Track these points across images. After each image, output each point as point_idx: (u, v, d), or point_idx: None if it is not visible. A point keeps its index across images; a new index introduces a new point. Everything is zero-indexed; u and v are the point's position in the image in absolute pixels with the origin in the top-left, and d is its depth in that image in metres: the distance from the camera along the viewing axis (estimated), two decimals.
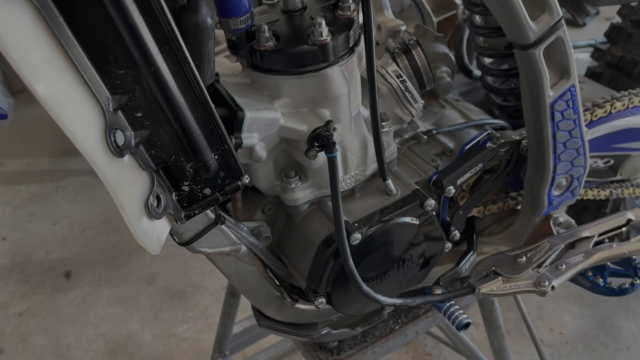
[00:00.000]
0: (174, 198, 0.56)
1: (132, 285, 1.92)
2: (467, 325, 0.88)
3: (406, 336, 1.03)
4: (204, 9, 0.54)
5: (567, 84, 0.81)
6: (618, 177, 1.16)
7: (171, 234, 0.65)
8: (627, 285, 0.93)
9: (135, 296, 1.88)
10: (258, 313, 0.90)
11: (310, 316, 0.93)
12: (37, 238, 2.14)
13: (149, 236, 0.52)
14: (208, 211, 0.66)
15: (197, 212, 0.58)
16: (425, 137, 0.93)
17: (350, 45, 0.71)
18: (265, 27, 0.66)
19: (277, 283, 0.87)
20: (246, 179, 0.61)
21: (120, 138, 0.47)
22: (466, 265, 0.96)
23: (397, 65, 0.90)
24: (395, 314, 1.04)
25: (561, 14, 0.75)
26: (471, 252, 0.97)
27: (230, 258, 0.77)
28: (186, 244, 0.69)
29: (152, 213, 0.51)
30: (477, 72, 1.18)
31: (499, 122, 1.02)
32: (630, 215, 0.95)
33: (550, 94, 0.81)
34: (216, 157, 0.57)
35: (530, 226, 1.00)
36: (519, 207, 1.03)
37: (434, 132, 0.94)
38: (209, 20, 0.55)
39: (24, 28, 0.40)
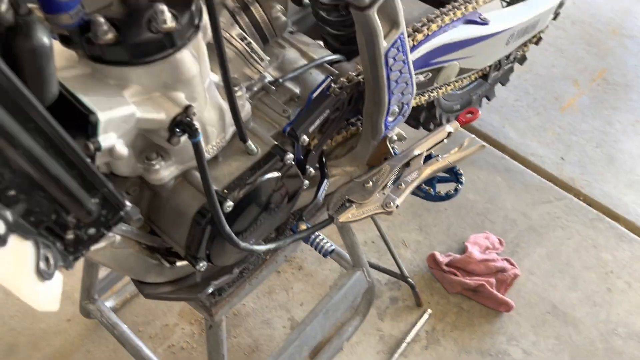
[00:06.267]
0: (60, 248, 0.55)
1: None
2: (332, 251, 1.01)
3: (277, 262, 1.14)
4: (39, 31, 0.50)
5: (397, 33, 0.90)
6: (435, 86, 1.32)
7: None
8: (452, 191, 1.11)
9: None
10: (139, 283, 0.94)
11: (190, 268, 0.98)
12: None
13: (47, 299, 0.50)
14: None
15: (84, 252, 0.58)
16: (273, 87, 0.97)
17: (195, 23, 0.70)
18: (102, 20, 0.62)
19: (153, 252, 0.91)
20: (128, 208, 0.61)
21: (0, 228, 0.44)
22: (322, 195, 1.07)
23: (238, 23, 0.92)
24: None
25: None
26: (324, 182, 1.08)
27: (106, 249, 0.78)
28: None
29: (45, 276, 0.50)
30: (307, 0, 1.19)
31: (335, 57, 1.07)
32: (449, 128, 1.11)
33: (384, 45, 0.89)
34: (96, 201, 0.57)
35: (370, 148, 1.13)
36: (359, 130, 1.15)
37: (281, 80, 0.98)
38: (47, 42, 0.51)
39: None
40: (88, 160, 0.53)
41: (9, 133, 0.43)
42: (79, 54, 0.68)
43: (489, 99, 2.13)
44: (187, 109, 0.71)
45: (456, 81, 1.46)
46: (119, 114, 0.66)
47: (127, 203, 0.60)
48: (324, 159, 1.09)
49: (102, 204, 0.57)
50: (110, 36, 0.63)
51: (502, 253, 1.80)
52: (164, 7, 0.64)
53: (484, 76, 1.69)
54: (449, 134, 1.10)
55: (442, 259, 1.74)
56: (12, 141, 0.44)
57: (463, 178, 1.11)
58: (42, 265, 0.50)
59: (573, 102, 2.40)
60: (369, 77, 0.97)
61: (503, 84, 2.14)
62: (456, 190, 1.11)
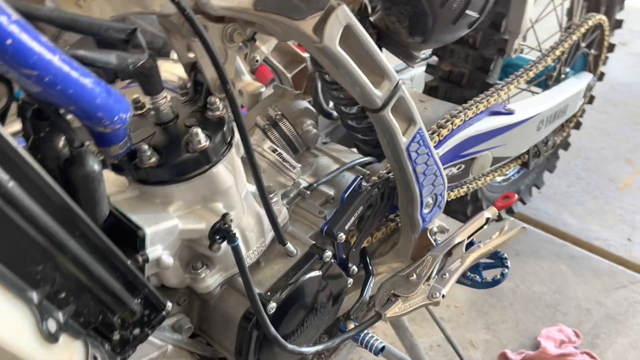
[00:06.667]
0: (108, 349, 0.59)
1: None
2: (382, 349, 1.00)
3: None
4: (90, 160, 0.59)
5: (415, 129, 0.96)
6: (471, 177, 1.35)
7: None
8: (499, 275, 1.09)
9: None
10: None
11: None
12: None
13: None
14: None
15: (131, 352, 0.62)
16: (308, 192, 1.03)
17: (228, 140, 0.78)
18: (145, 147, 0.71)
19: None
20: (169, 308, 0.66)
21: (52, 325, 0.49)
22: (368, 292, 1.07)
23: (269, 138, 1.01)
24: (317, 352, 1.11)
25: (398, 79, 0.89)
26: (370, 279, 1.09)
27: (159, 359, 0.81)
28: None
29: None
30: (336, 113, 1.29)
31: (366, 159, 1.14)
32: (487, 214, 1.12)
33: (403, 141, 0.95)
34: (138, 301, 0.62)
35: (412, 242, 1.14)
36: (399, 225, 1.17)
37: (315, 185, 1.05)
38: (97, 168, 0.59)
39: None
40: (128, 261, 0.59)
41: (59, 241, 0.50)
42: (129, 179, 0.77)
43: (538, 187, 2.12)
44: (224, 217, 0.77)
45: (494, 171, 1.48)
46: (164, 227, 0.73)
47: (168, 303, 0.65)
48: (367, 258, 1.12)
49: (145, 304, 0.62)
50: (153, 160, 0.72)
51: (581, 346, 1.68)
52: (199, 130, 0.73)
53: (524, 164, 1.70)
54: (488, 219, 1.11)
55: (515, 357, 1.64)
56: (61, 247, 0.50)
57: (508, 262, 1.09)
58: None
59: (630, 181, 2.33)
60: (397, 173, 1.02)
61: (551, 171, 2.13)
62: (503, 274, 1.09)
